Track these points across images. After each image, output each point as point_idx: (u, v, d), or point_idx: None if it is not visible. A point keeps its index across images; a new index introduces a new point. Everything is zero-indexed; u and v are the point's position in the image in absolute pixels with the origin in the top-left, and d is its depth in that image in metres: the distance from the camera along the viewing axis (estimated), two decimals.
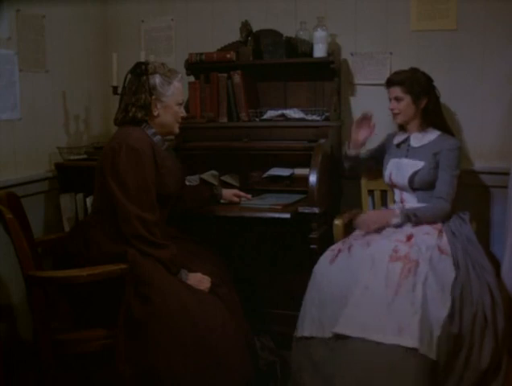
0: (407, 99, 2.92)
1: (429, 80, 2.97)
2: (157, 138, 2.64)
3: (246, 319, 2.77)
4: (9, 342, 3.07)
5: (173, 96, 2.62)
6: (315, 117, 3.23)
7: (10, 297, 3.12)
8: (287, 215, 2.82)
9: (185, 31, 3.72)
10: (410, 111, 2.94)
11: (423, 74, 2.97)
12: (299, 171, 3.19)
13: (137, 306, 2.41)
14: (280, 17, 3.48)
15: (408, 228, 2.76)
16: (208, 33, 3.65)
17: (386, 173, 3.02)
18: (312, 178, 2.92)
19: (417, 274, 2.45)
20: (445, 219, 2.82)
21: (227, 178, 3.29)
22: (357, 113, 3.43)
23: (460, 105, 3.27)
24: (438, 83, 3.20)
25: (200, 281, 2.57)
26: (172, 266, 2.51)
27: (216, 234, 3.11)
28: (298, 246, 3.05)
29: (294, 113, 3.26)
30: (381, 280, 2.45)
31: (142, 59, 3.37)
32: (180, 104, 2.68)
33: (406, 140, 3.02)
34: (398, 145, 3.04)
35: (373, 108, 3.28)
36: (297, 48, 3.31)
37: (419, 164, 2.90)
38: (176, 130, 2.72)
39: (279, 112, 3.29)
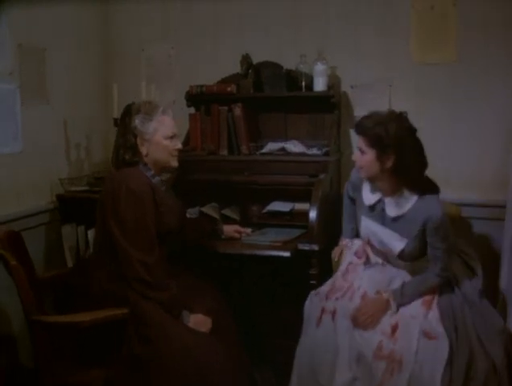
0: (371, 154, 2.45)
1: (405, 131, 2.47)
2: (156, 180, 2.67)
3: (246, 352, 2.79)
4: (10, 368, 3.09)
5: (157, 131, 2.62)
6: (315, 151, 3.25)
7: (11, 323, 3.14)
8: (287, 254, 2.84)
9: (186, 60, 3.74)
10: (374, 169, 2.47)
11: (400, 122, 2.47)
12: (299, 206, 3.24)
13: (138, 348, 2.44)
14: (281, 48, 3.49)
15: (393, 314, 2.49)
16: (208, 62, 3.67)
17: (362, 231, 2.73)
18: (312, 215, 2.94)
19: (401, 373, 2.34)
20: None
21: (227, 212, 3.32)
22: (356, 145, 3.46)
23: (460, 137, 3.30)
24: (438, 114, 3.26)
25: (200, 322, 2.59)
26: (173, 309, 2.53)
27: (216, 269, 3.11)
28: (297, 281, 3.06)
29: (294, 147, 3.28)
30: (366, 377, 2.41)
31: (143, 89, 3.43)
32: (171, 138, 2.66)
33: (380, 202, 2.61)
34: (371, 207, 2.64)
35: None
36: (297, 81, 3.33)
37: (401, 241, 2.56)
38: (173, 164, 2.70)
39: (280, 145, 3.32)
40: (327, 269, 2.98)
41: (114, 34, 3.89)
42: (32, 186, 3.29)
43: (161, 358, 2.42)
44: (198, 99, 3.47)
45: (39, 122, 3.32)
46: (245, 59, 3.39)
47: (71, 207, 3.40)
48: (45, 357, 2.48)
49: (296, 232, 3.10)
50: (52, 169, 3.44)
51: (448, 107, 3.29)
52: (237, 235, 3.06)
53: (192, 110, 3.53)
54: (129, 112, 2.66)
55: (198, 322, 2.58)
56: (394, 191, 2.53)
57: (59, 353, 2.58)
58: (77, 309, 2.51)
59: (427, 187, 2.52)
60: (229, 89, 3.38)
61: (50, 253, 3.42)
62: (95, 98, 3.80)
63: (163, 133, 2.63)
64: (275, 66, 3.41)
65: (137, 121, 2.62)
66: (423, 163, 2.51)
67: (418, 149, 2.49)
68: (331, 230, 3.16)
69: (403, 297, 2.52)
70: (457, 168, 3.30)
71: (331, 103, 3.28)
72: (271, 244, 2.95)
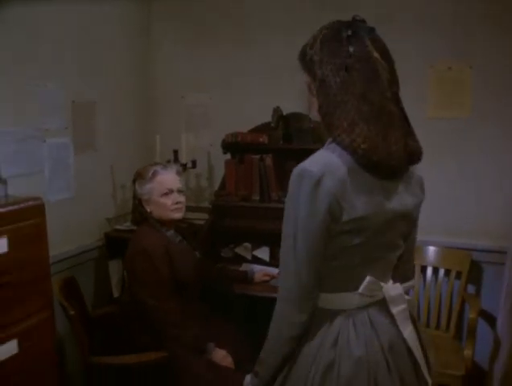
0: (307, 81, 1.75)
1: (335, 31, 1.68)
2: (170, 233, 3.04)
3: None
4: None
5: (153, 191, 2.99)
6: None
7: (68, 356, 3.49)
8: None
9: (222, 108, 4.05)
10: (312, 102, 1.75)
11: (333, 25, 1.71)
12: None
13: None
14: None
15: None
16: (242, 111, 3.97)
17: None
18: None
19: None
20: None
21: (258, 253, 3.65)
22: None
23: (470, 186, 3.57)
24: (450, 165, 3.55)
25: (223, 357, 2.90)
26: (198, 345, 2.87)
27: (243, 311, 3.42)
28: None
29: None
30: None
31: (183, 137, 3.78)
32: (167, 194, 2.99)
33: None
34: None
35: None
36: (322, 134, 3.61)
37: None
38: (175, 216, 3.02)
39: None
40: None
41: (157, 82, 4.23)
42: (83, 226, 3.64)
43: None
44: (233, 147, 3.79)
45: (89, 169, 3.65)
46: (276, 112, 3.69)
47: (117, 243, 3.72)
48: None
49: None
50: (100, 210, 3.79)
51: (460, 159, 3.57)
52: (266, 277, 3.39)
53: (228, 156, 3.85)
54: (134, 179, 3.08)
55: (221, 355, 2.89)
56: None
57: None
58: (123, 351, 2.87)
59: (344, 134, 1.61)
60: (261, 140, 3.68)
61: (99, 285, 3.78)
62: (139, 144, 4.14)
63: (158, 192, 2.99)
64: (303, 118, 3.68)
65: (137, 187, 3.03)
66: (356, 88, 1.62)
67: (347, 56, 1.63)
68: None
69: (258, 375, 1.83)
70: (468, 217, 3.59)
71: None
72: None
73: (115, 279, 3.78)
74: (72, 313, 2.77)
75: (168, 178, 3.04)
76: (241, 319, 3.27)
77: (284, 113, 3.74)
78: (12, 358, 2.33)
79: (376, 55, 1.64)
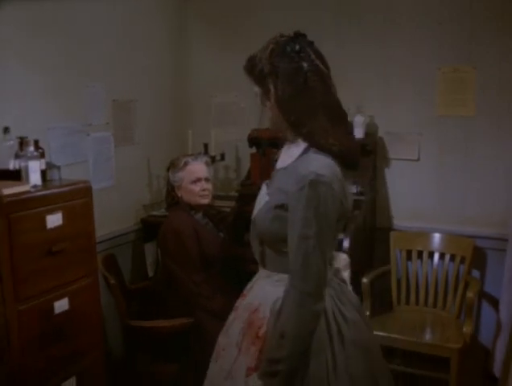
0: (259, 93, 1.95)
1: (284, 49, 1.87)
2: (198, 216, 3.43)
3: None
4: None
5: (183, 178, 3.39)
6: (353, 189, 3.86)
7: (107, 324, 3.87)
8: None
9: (248, 106, 4.40)
10: (268, 113, 1.98)
11: (279, 43, 1.89)
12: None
13: (198, 354, 3.11)
14: None
15: None
16: None
17: None
18: (345, 244, 3.57)
19: None
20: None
21: None
22: (390, 182, 4.08)
23: (475, 178, 3.86)
24: (456, 158, 3.84)
25: None
26: (221, 314, 3.17)
27: None
28: None
29: None
30: None
31: (212, 132, 4.16)
32: (195, 182, 3.38)
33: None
34: None
35: (404, 179, 3.94)
36: None
37: (264, 199, 2.01)
38: (202, 201, 3.42)
39: None
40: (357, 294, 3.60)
41: (189, 83, 4.62)
42: (122, 211, 4.03)
43: None
44: (257, 142, 4.14)
45: (128, 160, 4.04)
46: None
47: (152, 228, 4.06)
48: (132, 352, 3.29)
49: None
50: (137, 197, 4.18)
51: (468, 155, 3.86)
52: None
53: (253, 149, 4.18)
54: (168, 167, 3.51)
55: None
56: (291, 141, 1.99)
57: (143, 349, 3.36)
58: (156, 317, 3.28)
59: (316, 138, 1.87)
60: (280, 134, 4.02)
61: (135, 265, 4.16)
62: (173, 138, 4.50)
63: (188, 180, 3.39)
64: None
65: (170, 174, 3.45)
66: (314, 96, 1.86)
67: (303, 72, 1.85)
68: (363, 259, 3.79)
69: (275, 364, 1.82)
70: (472, 207, 3.89)
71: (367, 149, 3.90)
72: None
73: (150, 260, 4.17)
74: (112, 282, 3.18)
75: (197, 167, 3.44)
76: None
77: None
78: (64, 313, 2.75)
79: (321, 66, 1.88)
